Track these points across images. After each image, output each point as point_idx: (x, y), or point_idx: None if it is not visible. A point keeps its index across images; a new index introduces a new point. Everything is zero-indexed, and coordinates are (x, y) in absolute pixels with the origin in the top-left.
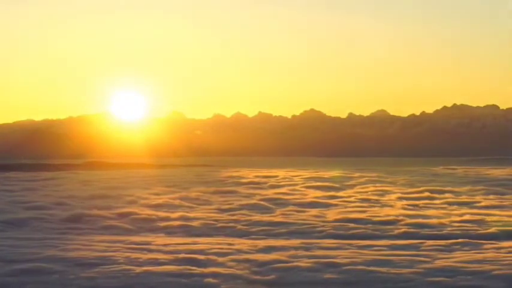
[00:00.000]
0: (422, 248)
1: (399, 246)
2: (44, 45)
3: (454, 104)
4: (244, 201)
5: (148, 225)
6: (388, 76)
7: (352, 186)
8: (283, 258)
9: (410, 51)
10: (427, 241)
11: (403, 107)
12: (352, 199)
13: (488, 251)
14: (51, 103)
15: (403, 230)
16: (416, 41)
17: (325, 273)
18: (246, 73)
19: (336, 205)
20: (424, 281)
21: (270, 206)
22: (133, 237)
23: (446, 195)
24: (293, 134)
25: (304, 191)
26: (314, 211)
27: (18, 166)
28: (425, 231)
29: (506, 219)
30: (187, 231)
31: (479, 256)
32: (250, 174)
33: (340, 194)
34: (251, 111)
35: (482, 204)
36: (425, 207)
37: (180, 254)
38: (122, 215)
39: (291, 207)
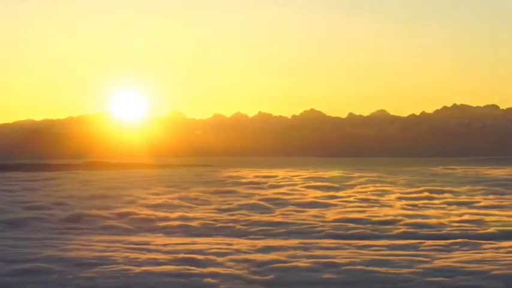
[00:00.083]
0: (422, 248)
1: (398, 246)
2: (44, 45)
3: (454, 104)
4: (244, 201)
5: (147, 225)
6: (388, 76)
7: (351, 186)
8: (282, 258)
9: (410, 51)
10: (426, 241)
11: (403, 107)
12: (351, 199)
13: (487, 251)
14: (51, 103)
15: (402, 230)
16: (416, 41)
17: (324, 273)
18: (246, 73)
19: (335, 205)
20: (423, 281)
21: (270, 206)
22: (133, 237)
23: (446, 195)
24: (293, 134)
25: (303, 191)
26: (313, 211)
27: (18, 166)
28: (425, 231)
29: (505, 219)
30: (186, 231)
31: (478, 256)
32: (250, 174)
33: (340, 194)
34: (251, 111)
35: (482, 204)
36: (425, 207)
37: (179, 254)
38: (121, 215)
39: (290, 207)
